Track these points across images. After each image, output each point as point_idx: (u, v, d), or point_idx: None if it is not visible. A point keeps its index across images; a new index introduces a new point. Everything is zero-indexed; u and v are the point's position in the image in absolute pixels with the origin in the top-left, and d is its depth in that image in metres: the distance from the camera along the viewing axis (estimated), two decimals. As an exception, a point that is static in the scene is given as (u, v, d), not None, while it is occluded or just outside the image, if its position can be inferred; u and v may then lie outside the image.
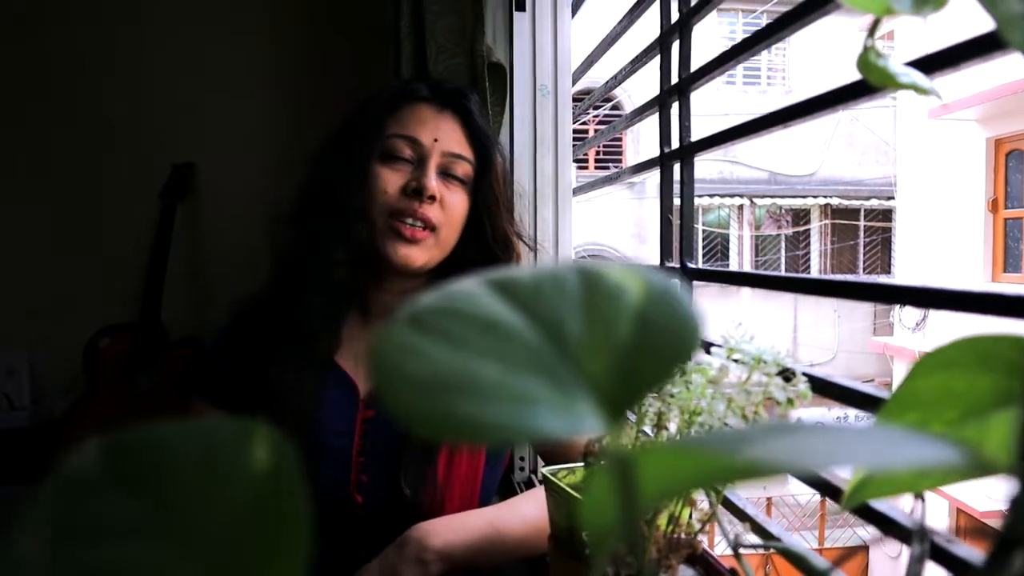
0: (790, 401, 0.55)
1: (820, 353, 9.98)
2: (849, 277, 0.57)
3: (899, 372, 7.81)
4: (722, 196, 10.33)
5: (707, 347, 0.69)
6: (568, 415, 0.18)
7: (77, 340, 1.63)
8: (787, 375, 0.57)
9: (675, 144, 0.90)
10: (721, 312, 9.59)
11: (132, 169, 1.73)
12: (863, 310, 9.98)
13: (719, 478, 0.17)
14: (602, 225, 9.82)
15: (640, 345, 0.20)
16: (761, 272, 0.74)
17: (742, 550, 0.52)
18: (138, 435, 0.18)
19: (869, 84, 0.46)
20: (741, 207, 10.53)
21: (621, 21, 1.10)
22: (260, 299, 1.07)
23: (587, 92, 1.42)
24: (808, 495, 8.09)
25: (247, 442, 0.18)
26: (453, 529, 0.91)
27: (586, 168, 9.87)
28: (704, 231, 10.63)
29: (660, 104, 0.94)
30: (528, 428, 0.17)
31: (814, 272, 10.54)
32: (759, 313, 9.58)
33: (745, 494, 0.80)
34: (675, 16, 0.90)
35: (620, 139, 10.07)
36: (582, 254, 10.02)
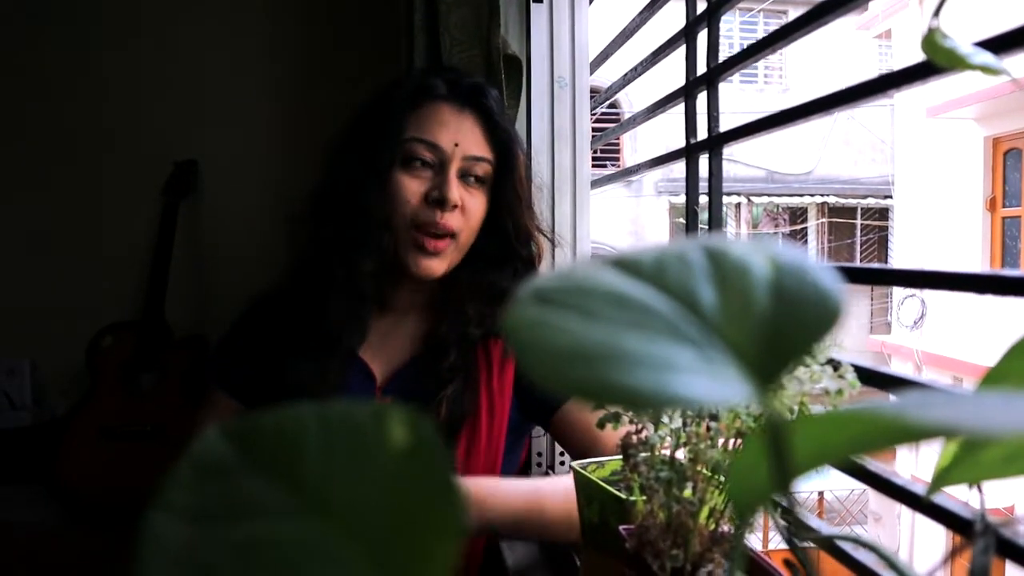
0: (839, 391, 0.54)
1: (817, 351, 9.98)
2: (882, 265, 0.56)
3: (897, 370, 7.81)
4: (719, 194, 10.33)
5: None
6: (717, 381, 0.17)
7: (79, 339, 1.62)
8: (833, 365, 0.57)
9: (701, 135, 0.89)
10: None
11: (134, 167, 1.71)
12: (860, 309, 10.00)
13: (881, 442, 0.17)
14: (598, 223, 9.81)
15: (780, 315, 0.19)
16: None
17: (799, 543, 0.51)
18: (265, 421, 0.18)
19: (934, 65, 0.45)
20: (738, 205, 10.54)
21: (641, 12, 1.09)
22: (277, 294, 1.07)
23: (594, 90, 1.41)
24: (805, 493, 8.10)
25: (382, 421, 0.17)
26: (494, 494, 0.90)
27: (584, 166, 9.86)
28: (702, 229, 10.63)
29: (686, 94, 0.93)
30: (678, 394, 0.17)
31: (811, 271, 10.55)
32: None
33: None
34: (701, 6, 0.89)
35: (617, 138, 10.07)
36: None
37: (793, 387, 0.53)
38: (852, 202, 10.58)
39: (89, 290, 1.71)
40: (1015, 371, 0.31)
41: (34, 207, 1.70)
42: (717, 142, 0.85)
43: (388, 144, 0.98)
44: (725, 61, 0.83)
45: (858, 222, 10.72)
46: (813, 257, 0.21)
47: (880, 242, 10.69)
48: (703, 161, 0.90)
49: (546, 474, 1.21)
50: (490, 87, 1.06)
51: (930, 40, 0.43)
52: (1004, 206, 6.80)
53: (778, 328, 0.18)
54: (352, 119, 1.04)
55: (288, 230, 1.06)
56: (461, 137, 0.99)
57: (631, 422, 0.60)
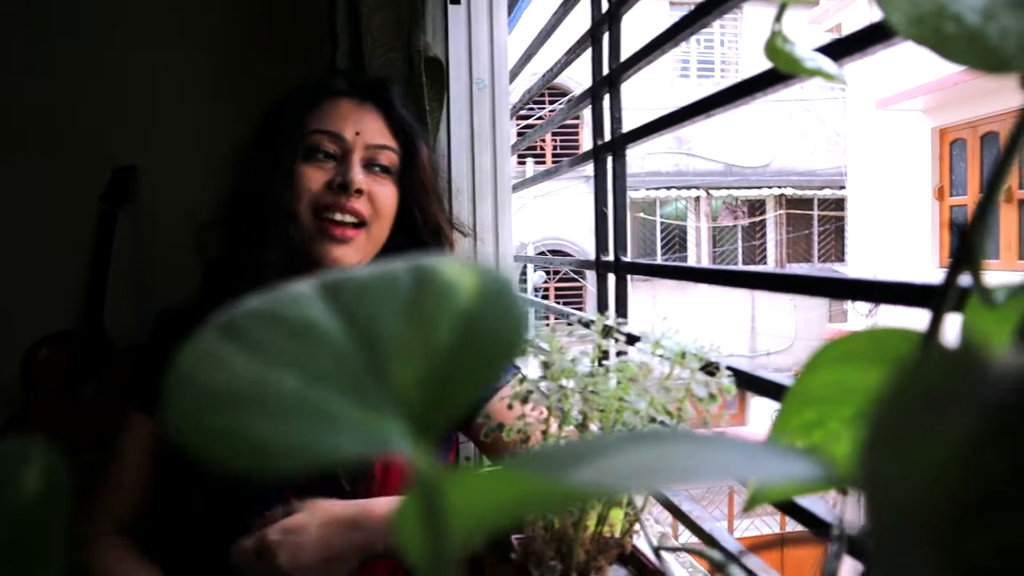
0: (712, 397, 0.54)
1: (778, 341, 10.15)
2: (763, 268, 0.56)
3: (773, 376, 7.97)
4: (679, 188, 10.43)
5: (632, 341, 0.68)
6: (368, 433, 0.16)
7: (14, 351, 1.57)
8: (711, 370, 0.56)
9: (608, 137, 0.88)
10: (679, 304, 9.68)
11: (73, 172, 1.66)
12: (819, 297, 10.16)
13: (545, 505, 0.16)
14: (560, 220, 9.85)
15: (460, 349, 0.18)
16: (687, 265, 0.73)
17: (665, 553, 0.51)
18: None
19: (779, 71, 0.45)
20: (698, 199, 10.64)
21: (556, 13, 1.09)
22: (190, 306, 1.05)
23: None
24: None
25: (18, 468, 0.15)
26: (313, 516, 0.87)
27: (544, 162, 9.87)
28: (662, 223, 10.72)
29: (593, 96, 0.92)
30: (322, 450, 0.15)
31: (770, 261, 10.72)
32: (717, 303, 9.69)
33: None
34: (605, 7, 0.89)
35: (577, 131, 10.07)
36: (541, 249, 10.03)
37: (661, 396, 0.53)
38: (809, 193, 10.74)
39: (25, 300, 1.66)
40: (820, 386, 0.31)
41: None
42: (620, 143, 0.85)
43: (291, 139, 0.98)
44: (624, 62, 0.83)
45: (815, 213, 10.88)
46: (514, 285, 0.20)
47: (837, 232, 10.86)
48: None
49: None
50: (392, 83, 1.05)
51: (771, 45, 0.43)
52: (951, 195, 6.95)
53: (450, 366, 0.17)
54: (257, 122, 1.03)
55: (199, 239, 1.04)
56: (363, 127, 0.99)
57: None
